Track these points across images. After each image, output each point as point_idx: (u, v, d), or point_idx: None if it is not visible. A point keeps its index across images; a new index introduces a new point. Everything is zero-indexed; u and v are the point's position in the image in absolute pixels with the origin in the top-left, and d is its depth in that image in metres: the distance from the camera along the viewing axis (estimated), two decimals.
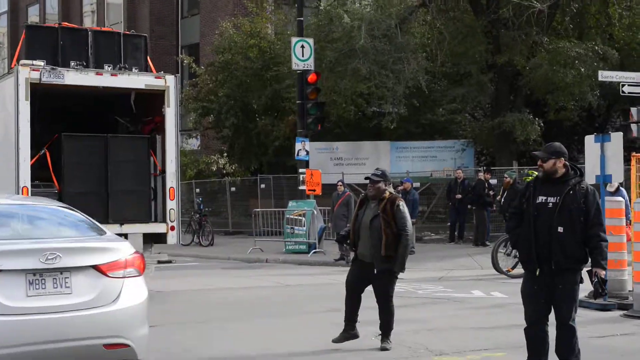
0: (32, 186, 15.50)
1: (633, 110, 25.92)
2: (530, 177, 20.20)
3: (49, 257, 7.88)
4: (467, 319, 13.80)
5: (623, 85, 25.64)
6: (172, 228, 16.63)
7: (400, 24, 29.71)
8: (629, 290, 14.45)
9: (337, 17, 29.82)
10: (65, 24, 18.69)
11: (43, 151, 16.07)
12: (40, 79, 15.38)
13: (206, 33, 45.76)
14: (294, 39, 27.29)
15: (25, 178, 15.30)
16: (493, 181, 27.56)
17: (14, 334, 7.49)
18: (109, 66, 16.35)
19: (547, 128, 30.92)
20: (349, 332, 10.71)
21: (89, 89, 16.22)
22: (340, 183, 25.43)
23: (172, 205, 16.57)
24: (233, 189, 37.93)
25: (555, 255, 8.58)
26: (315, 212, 26.98)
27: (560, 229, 8.57)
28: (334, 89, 30.02)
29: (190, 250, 30.65)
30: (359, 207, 10.84)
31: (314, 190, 27.10)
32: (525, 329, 9.03)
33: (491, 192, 26.74)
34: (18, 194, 15.09)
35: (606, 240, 8.73)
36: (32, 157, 15.53)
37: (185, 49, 48.98)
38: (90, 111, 17.50)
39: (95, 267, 8.28)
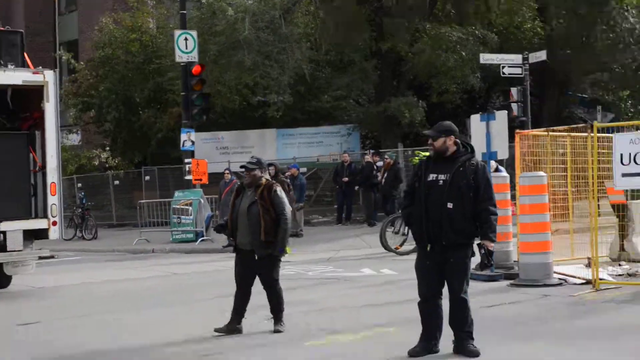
0: None
1: (513, 90, 26.55)
2: (416, 159, 20.27)
3: None
4: (358, 297, 13.79)
5: (503, 67, 26.24)
6: (54, 223, 16.10)
7: (284, 15, 29.72)
8: (514, 261, 14.82)
9: (220, 9, 29.49)
10: None
11: None
12: None
13: (85, 29, 45.11)
14: (177, 32, 26.92)
15: None
16: (380, 163, 27.47)
17: None
18: None
19: (431, 110, 31.26)
20: (234, 325, 10.50)
21: None
22: (227, 171, 25.50)
23: (53, 200, 16.05)
24: (116, 182, 37.36)
25: (446, 232, 8.61)
26: (202, 201, 26.86)
27: (449, 205, 8.58)
28: (219, 80, 29.76)
29: (74, 244, 30.09)
30: (236, 196, 10.63)
31: (201, 180, 26.96)
32: (419, 303, 9.04)
33: (378, 174, 26.72)
34: None
35: (496, 214, 8.80)
36: None
37: (63, 45, 47.80)
38: None
39: None
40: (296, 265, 19.11)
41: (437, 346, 8.97)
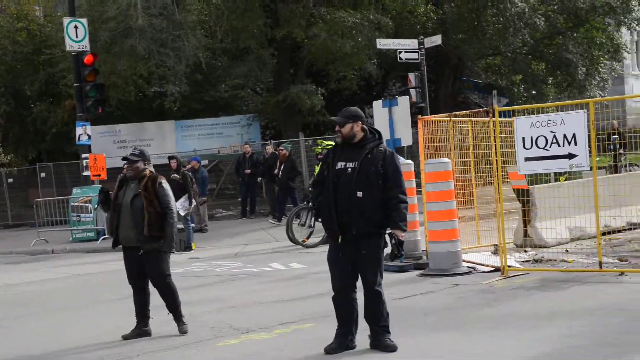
0: None
1: (411, 75, 26.56)
2: (319, 148, 20.16)
3: None
4: (269, 292, 13.55)
5: (400, 52, 26.26)
6: None
7: (177, 1, 29.09)
8: (422, 250, 14.77)
9: None
10: None
11: None
12: None
13: None
14: (66, 20, 26.07)
15: None
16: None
17: None
18: None
19: (329, 98, 31.28)
20: (141, 328, 10.23)
21: None
22: (126, 167, 24.71)
23: None
24: (10, 179, 36.24)
25: (356, 221, 8.47)
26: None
27: (359, 194, 8.45)
28: (113, 70, 29.12)
29: None
30: (118, 189, 10.21)
31: (99, 175, 26.44)
32: (333, 297, 8.91)
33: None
34: None
35: (405, 202, 8.69)
36: None
37: None
38: None
39: None
40: (203, 261, 18.88)
41: (354, 342, 8.84)
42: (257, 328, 10.47)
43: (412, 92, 26.25)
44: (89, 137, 26.59)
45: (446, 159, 13.74)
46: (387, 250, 8.93)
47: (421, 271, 13.81)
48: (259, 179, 27.18)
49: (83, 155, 26.74)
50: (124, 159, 10.21)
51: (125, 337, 10.05)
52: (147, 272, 10.17)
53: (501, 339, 9.01)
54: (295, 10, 29.39)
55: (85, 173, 26.51)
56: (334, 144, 18.44)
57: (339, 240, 8.68)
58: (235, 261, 18.64)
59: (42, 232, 27.72)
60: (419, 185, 15.03)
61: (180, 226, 21.59)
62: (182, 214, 21.36)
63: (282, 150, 25.27)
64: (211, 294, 13.83)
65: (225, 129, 33.21)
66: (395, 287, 12.79)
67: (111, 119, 33.10)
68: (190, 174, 22.27)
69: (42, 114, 34.65)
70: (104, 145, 31.82)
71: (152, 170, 10.22)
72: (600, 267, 12.57)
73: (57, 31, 29.52)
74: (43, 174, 34.19)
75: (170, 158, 22.76)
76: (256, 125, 33.17)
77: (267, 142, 29.30)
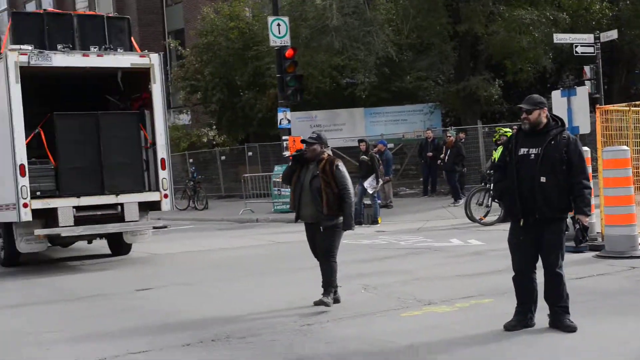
0: (29, 163, 14.51)
1: (587, 68, 25.32)
2: (497, 135, 19.25)
3: None
4: (450, 267, 12.85)
5: (576, 46, 24.91)
6: (166, 196, 15.71)
7: (368, 1, 28.71)
8: (597, 232, 13.68)
9: None
10: (51, 9, 17.76)
11: (37, 130, 15.07)
12: (28, 62, 14.35)
13: (189, 19, 44.64)
14: (270, 18, 26.18)
15: (22, 156, 14.30)
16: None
17: None
18: (95, 48, 15.30)
19: (506, 89, 30.26)
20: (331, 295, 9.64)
21: (77, 70, 15.28)
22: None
23: (164, 174, 15.63)
24: (223, 157, 37.15)
25: (539, 206, 7.74)
26: None
27: (542, 179, 7.72)
28: (310, 63, 28.99)
29: (187, 214, 29.89)
30: (300, 169, 9.63)
31: None
32: (513, 277, 8.19)
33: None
34: (16, 172, 14.24)
35: (589, 188, 7.88)
36: (26, 137, 14.48)
37: (171, 34, 47.83)
38: (80, 91, 16.41)
39: None
40: (388, 234, 18.37)
41: (533, 320, 8.10)
42: (439, 301, 9.84)
43: (587, 83, 25.05)
44: (289, 121, 26.64)
45: (625, 147, 12.66)
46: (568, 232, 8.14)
47: (597, 252, 12.75)
48: (439, 161, 26.30)
49: (283, 137, 26.86)
50: (302, 141, 9.67)
51: (316, 303, 9.55)
52: (317, 244, 9.71)
53: None
54: (475, 8, 28.35)
55: (285, 153, 26.47)
56: (510, 131, 17.60)
57: (521, 223, 7.96)
58: (417, 235, 17.92)
59: (248, 203, 28.22)
60: (594, 170, 14.01)
61: (368, 202, 21.27)
62: (370, 191, 21.00)
63: (449, 136, 24.57)
64: (397, 266, 13.28)
65: (409, 116, 32.58)
66: (571, 267, 11.75)
67: (308, 105, 32.95)
68: (377, 155, 21.86)
69: (250, 101, 35.29)
70: (302, 128, 31.71)
71: (330, 153, 9.67)
72: None
73: (263, 29, 29.54)
74: (250, 153, 34.79)
75: (359, 141, 22.50)
76: (437, 113, 32.42)
77: (447, 129, 28.48)
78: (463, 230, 18.17)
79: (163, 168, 15.62)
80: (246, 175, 30.37)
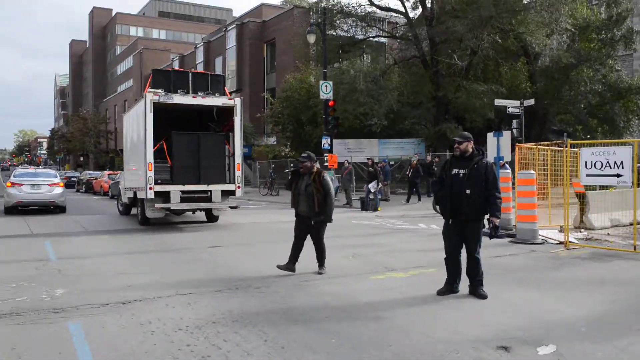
0: (155, 162, 13.72)
1: (514, 121, 23.55)
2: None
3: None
4: (414, 244, 11.41)
5: (508, 108, 23.27)
6: (239, 187, 14.60)
7: (383, 74, 27.31)
8: (513, 225, 12.13)
9: (346, 70, 27.35)
10: (176, 68, 16.93)
11: (161, 142, 14.22)
12: (159, 100, 13.57)
13: (278, 82, 43.60)
14: (321, 82, 24.89)
15: (150, 158, 13.52)
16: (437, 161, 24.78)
17: None
18: (201, 93, 14.37)
19: (466, 131, 28.50)
20: (291, 265, 8.16)
21: (189, 106, 14.28)
22: (346, 161, 23.36)
23: (238, 174, 14.56)
24: (292, 165, 35.73)
25: (464, 209, 6.47)
26: (333, 178, 24.50)
27: (468, 191, 6.43)
28: (345, 110, 27.62)
29: (266, 198, 28.79)
30: (297, 180, 8.24)
31: (333, 165, 24.97)
32: (445, 258, 6.83)
33: (435, 168, 24.10)
34: (146, 167, 13.50)
35: (499, 198, 6.55)
36: (154, 146, 13.71)
37: (268, 90, 46.75)
38: (191, 119, 15.51)
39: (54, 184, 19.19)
40: (382, 219, 16.96)
41: (457, 288, 6.75)
42: (399, 268, 8.48)
43: (514, 131, 23.29)
44: (330, 145, 25.21)
45: (532, 171, 11.10)
46: (485, 230, 6.78)
47: (511, 239, 11.22)
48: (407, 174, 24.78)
49: (325, 154, 25.45)
50: (297, 159, 8.36)
51: (280, 267, 8.16)
52: (311, 234, 8.23)
53: (564, 299, 6.55)
54: (448, 82, 27.01)
55: (326, 164, 25.12)
56: (449, 156, 16.02)
57: (449, 221, 6.65)
58: (399, 220, 16.37)
59: None
60: (514, 185, 12.48)
61: (372, 196, 19.88)
62: (372, 190, 19.59)
63: (412, 161, 23.21)
64: (380, 240, 11.89)
65: (406, 145, 30.88)
66: (492, 248, 10.30)
67: (343, 136, 31.63)
68: (380, 168, 20.51)
69: (309, 132, 33.97)
70: (339, 150, 30.49)
71: (318, 167, 8.31)
72: (635, 249, 9.64)
73: (318, 88, 28.50)
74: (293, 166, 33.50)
75: (367, 160, 21.01)
76: (423, 145, 30.70)
77: (429, 154, 26.86)
78: (429, 218, 16.60)
79: (238, 170, 14.57)
80: None
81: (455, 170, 6.60)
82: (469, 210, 6.47)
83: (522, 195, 10.94)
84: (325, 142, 25.06)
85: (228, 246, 11.29)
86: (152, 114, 13.48)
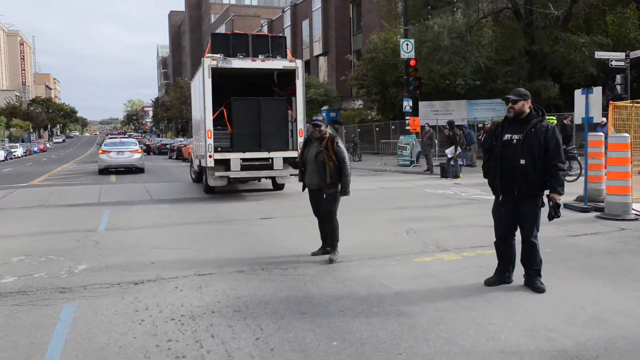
0: (215, 130, 13.32)
1: (618, 76, 20.90)
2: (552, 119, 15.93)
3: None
4: (482, 218, 9.91)
5: (611, 61, 20.72)
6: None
7: (469, 29, 25.16)
8: (603, 196, 10.46)
9: (430, 27, 25.43)
10: (237, 31, 16.39)
11: (221, 109, 13.79)
12: (217, 65, 13.09)
13: (364, 42, 42.21)
14: (401, 40, 23.51)
15: (209, 125, 13.10)
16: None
17: None
18: (261, 56, 13.67)
19: (562, 89, 25.81)
20: (325, 248, 7.19)
21: (248, 71, 13.64)
22: (427, 125, 21.88)
23: (300, 140, 13.73)
24: (377, 129, 34.74)
25: (518, 183, 5.30)
26: (415, 142, 23.74)
27: (522, 161, 5.25)
28: (429, 70, 26.01)
29: None
30: (304, 147, 7.22)
31: (415, 129, 23.82)
32: (495, 243, 5.76)
33: None
34: (205, 135, 13.13)
35: (563, 170, 5.30)
36: (214, 113, 13.26)
37: (354, 52, 45.39)
38: (253, 84, 14.93)
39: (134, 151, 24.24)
40: (459, 187, 15.59)
41: (510, 278, 5.67)
42: (452, 248, 7.45)
43: (618, 87, 20.73)
44: (411, 107, 24.02)
45: (626, 134, 9.42)
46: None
47: (598, 214, 9.66)
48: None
49: (406, 118, 24.24)
50: (311, 123, 7.06)
51: (313, 254, 7.19)
52: (320, 208, 7.16)
53: None
54: (544, 34, 24.31)
55: (407, 128, 23.93)
56: (554, 118, 14.28)
57: (500, 198, 5.51)
58: (478, 189, 14.83)
59: (383, 158, 25.92)
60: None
61: (453, 162, 18.49)
62: (449, 156, 18.21)
63: (486, 124, 21.11)
64: (444, 213, 10.71)
65: (496, 106, 28.63)
66: (573, 224, 8.95)
67: (430, 97, 29.99)
68: (459, 132, 19.02)
69: (395, 93, 32.57)
70: (425, 113, 29.16)
71: (331, 132, 7.20)
72: None
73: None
74: (392, 127, 32.14)
75: (446, 123, 19.45)
76: None
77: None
78: None
79: (300, 136, 13.79)
80: (382, 140, 28.09)
81: (507, 136, 5.45)
82: (523, 185, 5.32)
83: (613, 162, 9.31)
84: (407, 104, 23.87)
85: (282, 217, 10.71)
86: (210, 79, 13.08)
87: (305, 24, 52.97)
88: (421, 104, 29.70)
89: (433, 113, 29.83)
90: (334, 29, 47.17)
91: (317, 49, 50.64)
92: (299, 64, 13.74)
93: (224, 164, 13.48)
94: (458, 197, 13.23)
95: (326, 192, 6.95)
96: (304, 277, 6.13)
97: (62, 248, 8.01)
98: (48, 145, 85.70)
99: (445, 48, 24.05)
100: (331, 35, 47.55)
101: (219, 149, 13.46)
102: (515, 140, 5.36)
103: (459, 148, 18.22)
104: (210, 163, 13.28)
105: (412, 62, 23.05)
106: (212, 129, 13.16)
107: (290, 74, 13.89)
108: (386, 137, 31.95)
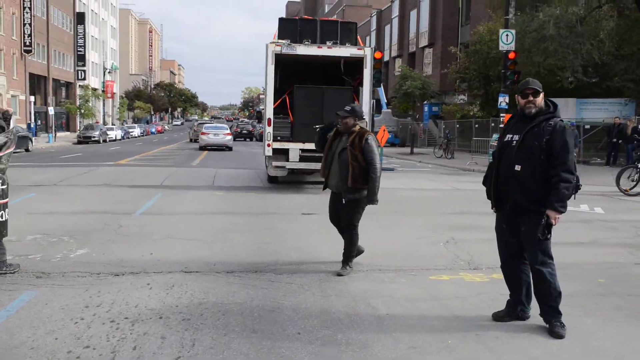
0: (275, 118, 12.93)
1: None
2: None
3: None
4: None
5: None
6: None
7: (581, 20, 22.60)
8: None
9: (535, 16, 23.22)
10: (305, 17, 15.80)
11: (284, 96, 13.31)
12: (281, 51, 12.63)
13: (471, 34, 39.76)
14: (501, 30, 21.55)
15: (270, 113, 12.82)
16: None
17: None
18: (330, 42, 12.99)
19: None
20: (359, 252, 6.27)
21: (314, 57, 13.01)
22: None
23: None
24: (477, 125, 32.64)
25: (513, 194, 4.22)
26: None
27: (517, 167, 4.17)
28: (530, 62, 23.69)
29: (439, 160, 26.44)
30: (334, 139, 6.16)
31: None
32: (500, 266, 4.67)
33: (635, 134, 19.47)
34: (265, 123, 12.92)
35: (569, 182, 4.11)
36: (276, 100, 12.94)
37: (462, 44, 43.00)
38: (321, 73, 14.18)
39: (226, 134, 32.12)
40: None
41: (526, 312, 4.60)
42: (484, 267, 6.34)
43: None
44: (507, 104, 21.97)
45: None
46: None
47: None
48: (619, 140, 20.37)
49: (501, 114, 22.39)
50: (336, 114, 6.13)
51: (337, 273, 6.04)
52: (341, 217, 6.16)
53: None
54: None
55: (501, 125, 22.11)
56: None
57: (493, 210, 4.49)
58: None
59: (474, 157, 24.28)
60: None
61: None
62: None
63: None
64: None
65: (610, 106, 25.72)
66: None
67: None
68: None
69: (498, 89, 29.75)
70: None
71: (364, 126, 6.10)
72: None
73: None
74: (492, 124, 29.83)
75: None
76: (632, 105, 25.13)
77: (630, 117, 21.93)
78: (605, 198, 13.22)
79: None
80: (474, 138, 26.25)
81: (508, 136, 4.37)
82: (519, 197, 4.23)
83: None
84: (503, 100, 22.03)
85: (326, 214, 9.97)
86: (273, 66, 12.69)
87: (413, 14, 51.30)
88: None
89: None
90: (441, 19, 45.15)
91: (423, 40, 48.84)
92: (367, 52, 12.90)
93: (284, 154, 13.05)
94: None
95: (346, 197, 5.94)
96: (290, 287, 5.43)
97: (83, 229, 7.94)
98: (166, 127, 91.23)
99: (552, 38, 21.81)
100: (438, 26, 45.57)
101: (279, 138, 13.02)
102: (514, 142, 4.27)
103: None
104: (269, 152, 12.94)
105: (511, 55, 21.13)
106: (272, 117, 12.79)
107: (358, 63, 13.09)
108: (485, 135, 29.98)
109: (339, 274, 5.90)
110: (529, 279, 4.55)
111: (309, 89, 13.04)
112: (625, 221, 9.72)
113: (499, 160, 4.37)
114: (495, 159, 4.45)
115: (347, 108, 6.10)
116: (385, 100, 44.73)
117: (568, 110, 26.94)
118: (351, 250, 6.09)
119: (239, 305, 4.84)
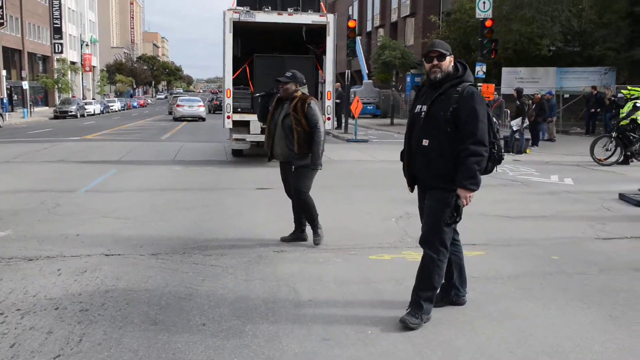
0: (235, 89, 12.48)
1: None
2: (625, 91, 13.52)
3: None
4: (508, 204, 8.26)
5: None
6: (328, 118, 12.60)
7: None
8: None
9: None
10: None
11: (244, 67, 12.75)
12: (239, 19, 12.04)
13: (451, 4, 39.01)
14: None
15: (229, 84, 12.29)
16: (620, 95, 19.36)
17: None
18: (291, 9, 12.47)
19: None
20: (297, 233, 5.99)
21: (275, 25, 12.42)
22: (495, 93, 19.56)
23: (329, 103, 12.56)
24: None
25: (421, 171, 3.77)
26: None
27: (425, 142, 3.68)
28: (508, 31, 23.17)
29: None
30: (275, 108, 5.81)
31: (488, 97, 21.28)
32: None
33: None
34: (224, 94, 12.37)
35: (479, 155, 3.57)
36: (236, 71, 12.44)
37: (443, 13, 42.12)
38: (285, 42, 13.57)
39: (200, 105, 35.45)
40: (516, 164, 13.47)
41: (461, 297, 4.25)
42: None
43: None
44: (484, 72, 21.48)
45: None
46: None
47: None
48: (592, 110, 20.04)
49: (478, 84, 21.73)
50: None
51: (283, 240, 6.00)
52: (292, 185, 5.87)
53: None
54: None
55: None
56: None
57: (409, 189, 4.05)
58: (531, 168, 12.69)
59: None
60: None
61: (518, 136, 16.27)
62: (515, 129, 16.02)
63: (536, 94, 17.69)
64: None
65: (590, 75, 25.24)
66: (615, 222, 7.06)
67: (513, 63, 27.05)
68: (528, 102, 16.64)
69: (477, 58, 29.58)
70: (509, 80, 26.30)
71: (305, 92, 5.74)
72: None
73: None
74: None
75: (516, 90, 16.97)
76: (612, 74, 24.72)
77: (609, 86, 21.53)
78: (578, 168, 12.85)
79: (328, 98, 12.58)
80: None
81: (418, 107, 3.85)
82: (425, 174, 3.78)
83: None
84: (480, 69, 21.49)
85: (281, 188, 9.53)
86: (231, 34, 12.09)
87: None
88: (505, 70, 26.97)
89: (517, 80, 26.84)
90: None
91: (405, 9, 47.87)
92: (330, 19, 12.30)
93: (245, 126, 12.53)
94: (503, 177, 11.31)
95: (295, 163, 5.69)
96: (213, 270, 4.99)
97: (13, 209, 7.44)
98: (149, 101, 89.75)
99: (529, 4, 21.25)
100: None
101: (239, 109, 12.51)
102: (423, 113, 3.77)
103: (526, 120, 15.95)
104: (229, 124, 12.44)
105: (488, 23, 20.53)
106: (231, 87, 12.24)
107: (322, 30, 12.49)
108: None
109: (316, 243, 5.82)
110: (461, 262, 4.16)
111: (269, 58, 12.47)
112: (592, 192, 9.36)
113: (409, 134, 3.90)
114: (406, 133, 3.99)
115: (288, 74, 5.72)
116: (367, 71, 43.94)
117: (548, 79, 26.57)
118: (311, 215, 5.83)
119: (148, 292, 4.40)
